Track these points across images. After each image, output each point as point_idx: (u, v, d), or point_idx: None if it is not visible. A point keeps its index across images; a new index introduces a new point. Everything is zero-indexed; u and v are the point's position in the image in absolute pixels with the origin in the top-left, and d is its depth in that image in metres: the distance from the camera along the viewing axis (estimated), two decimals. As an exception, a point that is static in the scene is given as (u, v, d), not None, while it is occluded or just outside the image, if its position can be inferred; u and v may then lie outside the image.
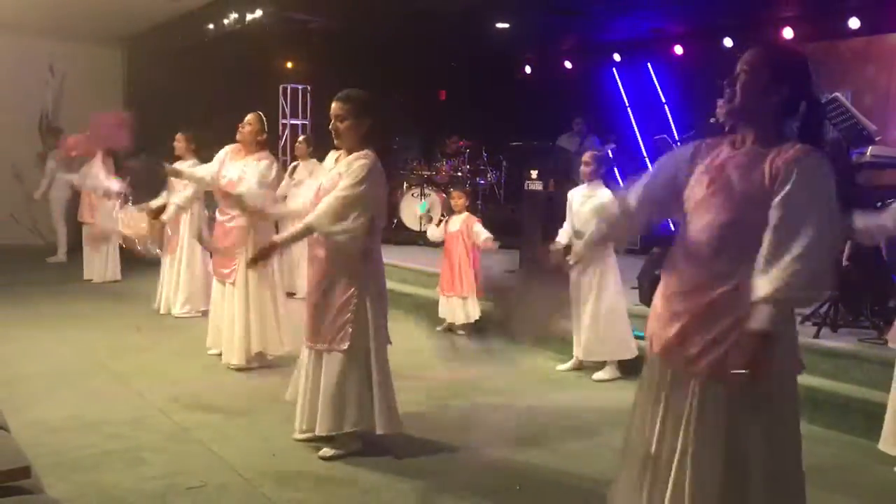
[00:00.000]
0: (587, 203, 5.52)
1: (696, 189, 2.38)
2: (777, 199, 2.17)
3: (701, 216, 2.34)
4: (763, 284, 2.12)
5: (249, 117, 5.53)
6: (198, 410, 4.61)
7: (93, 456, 3.85)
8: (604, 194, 5.43)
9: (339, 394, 3.83)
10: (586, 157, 5.71)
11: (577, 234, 5.54)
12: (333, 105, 3.86)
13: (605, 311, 5.53)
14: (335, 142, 3.92)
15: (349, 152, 3.87)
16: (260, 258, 4.18)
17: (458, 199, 7.11)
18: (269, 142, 5.71)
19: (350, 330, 3.81)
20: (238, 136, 5.51)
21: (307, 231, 3.83)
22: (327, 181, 3.87)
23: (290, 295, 8.01)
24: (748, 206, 2.24)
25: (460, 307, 6.83)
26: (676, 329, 2.34)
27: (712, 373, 2.27)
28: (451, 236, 6.95)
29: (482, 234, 6.82)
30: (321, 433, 3.87)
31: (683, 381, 2.35)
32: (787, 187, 2.16)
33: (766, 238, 2.15)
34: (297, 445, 4.04)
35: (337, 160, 3.94)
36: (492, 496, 3.56)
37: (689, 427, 2.32)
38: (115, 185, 8.03)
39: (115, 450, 3.94)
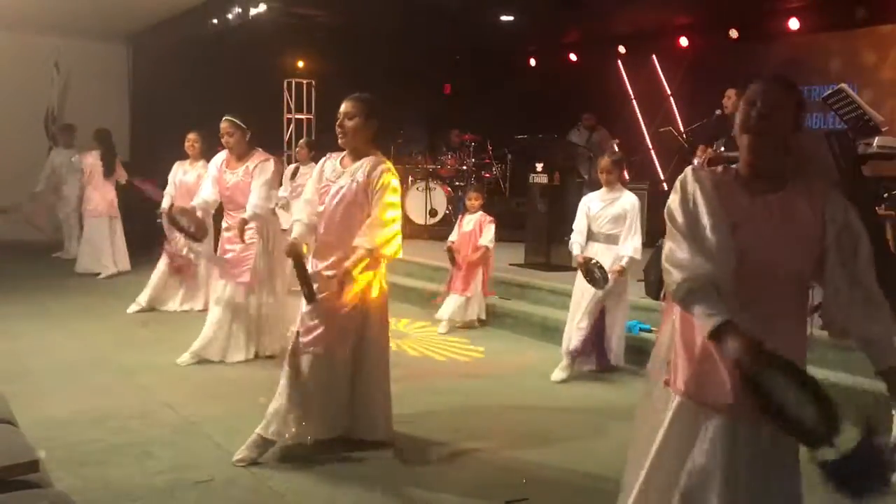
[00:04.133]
0: (609, 208, 5.49)
1: (746, 232, 2.25)
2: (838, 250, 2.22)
3: (754, 263, 2.23)
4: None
5: (224, 126, 5.49)
6: (205, 405, 4.63)
7: (100, 450, 3.86)
8: (627, 197, 5.47)
9: (330, 398, 3.85)
10: (605, 164, 5.53)
11: (598, 236, 5.52)
12: (345, 104, 3.84)
13: (623, 314, 5.60)
14: (339, 140, 3.89)
15: (355, 154, 3.87)
16: (341, 286, 3.79)
17: (475, 200, 7.08)
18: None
19: (353, 331, 3.82)
20: (226, 146, 5.57)
21: (367, 255, 3.73)
22: (347, 189, 3.81)
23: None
24: (801, 252, 2.24)
25: (461, 306, 6.84)
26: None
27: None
28: (463, 235, 6.96)
29: (485, 237, 6.84)
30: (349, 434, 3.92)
31: (746, 428, 2.27)
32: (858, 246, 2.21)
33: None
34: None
35: (342, 163, 3.90)
36: (495, 491, 3.56)
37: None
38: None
39: (123, 444, 3.95)
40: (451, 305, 6.86)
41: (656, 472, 2.33)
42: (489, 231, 6.88)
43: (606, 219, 5.51)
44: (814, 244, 2.23)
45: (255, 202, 5.40)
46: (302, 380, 3.82)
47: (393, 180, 3.81)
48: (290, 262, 4.18)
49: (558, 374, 5.45)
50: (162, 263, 7.33)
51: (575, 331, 5.46)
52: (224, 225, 5.69)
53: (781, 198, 2.26)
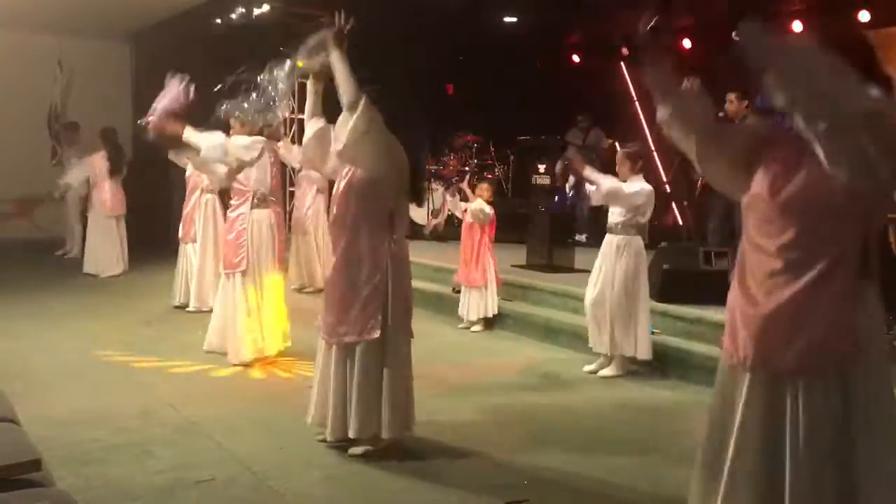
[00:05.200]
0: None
1: (763, 186, 2.28)
2: None
3: (771, 217, 2.26)
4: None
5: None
6: (206, 404, 4.63)
7: (102, 449, 3.86)
8: (644, 189, 5.41)
9: (373, 391, 3.74)
10: (619, 156, 5.56)
11: (611, 228, 5.52)
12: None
13: (630, 304, 5.44)
14: None
15: None
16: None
17: (485, 192, 6.95)
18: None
19: (381, 318, 3.74)
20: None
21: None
22: (351, 173, 3.83)
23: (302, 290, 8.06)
24: (817, 210, 2.18)
25: (476, 299, 6.80)
26: (760, 331, 2.24)
27: (805, 369, 2.18)
28: (466, 226, 6.92)
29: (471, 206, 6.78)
30: (354, 436, 3.79)
31: (777, 384, 2.24)
32: None
33: None
34: (306, 439, 4.04)
35: None
36: (496, 492, 3.56)
37: (796, 430, 2.20)
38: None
39: (124, 443, 3.96)
40: (475, 302, 6.81)
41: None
42: (479, 204, 6.79)
43: (618, 210, 5.46)
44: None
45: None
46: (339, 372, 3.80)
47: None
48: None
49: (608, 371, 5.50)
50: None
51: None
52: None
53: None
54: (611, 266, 5.44)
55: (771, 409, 2.25)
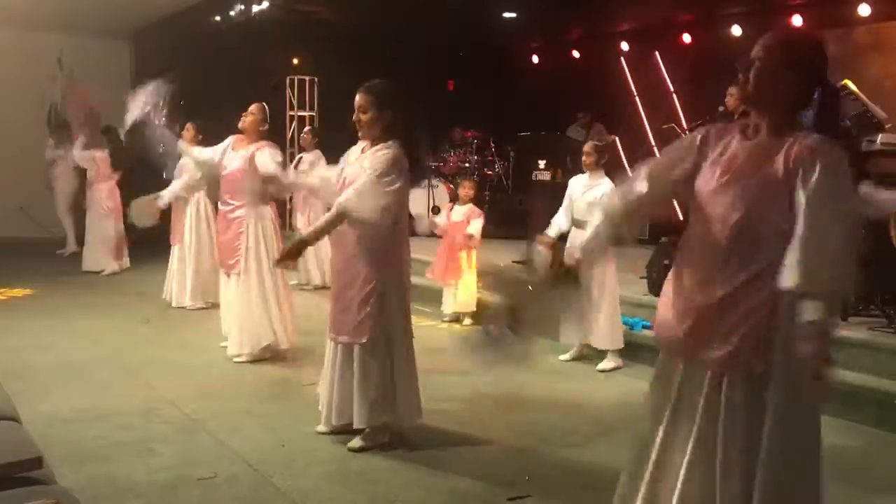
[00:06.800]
0: (587, 193, 5.54)
1: (707, 180, 2.30)
2: (804, 191, 2.10)
3: (713, 209, 2.27)
4: (794, 277, 2.06)
5: (252, 107, 5.54)
6: (208, 402, 4.63)
7: (104, 447, 3.87)
8: (605, 185, 5.45)
9: (367, 387, 3.83)
10: (587, 147, 5.72)
11: (577, 223, 5.55)
12: (357, 97, 3.84)
13: (611, 300, 5.56)
14: (358, 133, 3.90)
15: (373, 144, 3.86)
16: (289, 256, 3.90)
17: (469, 189, 7.12)
18: (272, 133, 5.71)
19: (371, 324, 3.79)
20: (241, 125, 5.54)
21: (335, 220, 3.77)
22: (351, 172, 3.84)
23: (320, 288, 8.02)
24: (762, 198, 2.18)
25: (458, 294, 6.89)
26: (690, 323, 2.29)
27: (726, 365, 2.23)
28: (454, 225, 6.98)
29: (472, 229, 6.88)
30: (358, 426, 3.89)
31: (697, 375, 2.30)
32: (813, 179, 2.08)
33: (798, 231, 2.09)
34: (307, 436, 4.05)
35: (363, 151, 3.89)
36: (498, 488, 3.56)
37: (703, 420, 2.27)
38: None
39: (126, 441, 3.96)
40: (461, 295, 6.89)
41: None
42: (477, 224, 6.91)
43: (583, 206, 5.54)
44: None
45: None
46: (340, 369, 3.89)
47: (390, 156, 3.73)
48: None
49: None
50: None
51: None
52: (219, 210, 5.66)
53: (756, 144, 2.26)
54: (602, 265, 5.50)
55: (690, 398, 2.31)
